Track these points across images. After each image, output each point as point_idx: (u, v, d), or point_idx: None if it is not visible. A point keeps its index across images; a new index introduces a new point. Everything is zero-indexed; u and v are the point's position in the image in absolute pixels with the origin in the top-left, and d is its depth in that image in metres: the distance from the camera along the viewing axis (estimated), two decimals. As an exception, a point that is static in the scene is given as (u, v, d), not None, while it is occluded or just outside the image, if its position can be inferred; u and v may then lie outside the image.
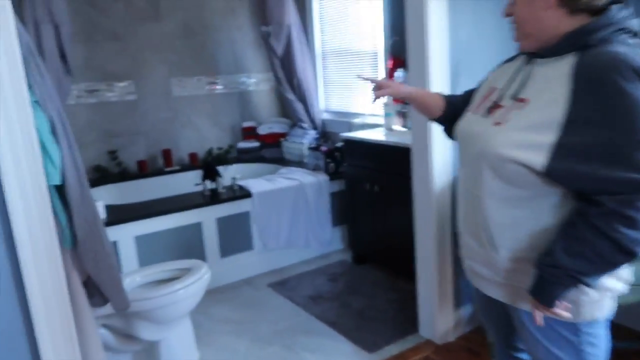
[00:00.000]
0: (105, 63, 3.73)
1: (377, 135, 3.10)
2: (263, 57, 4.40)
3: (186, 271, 2.32)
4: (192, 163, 4.06)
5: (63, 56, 3.04)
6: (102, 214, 2.69)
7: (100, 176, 3.71)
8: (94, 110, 3.72)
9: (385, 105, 3.27)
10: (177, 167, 3.97)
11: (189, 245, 2.96)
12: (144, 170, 3.84)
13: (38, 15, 2.87)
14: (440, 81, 2.12)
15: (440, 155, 2.18)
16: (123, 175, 3.75)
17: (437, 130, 2.07)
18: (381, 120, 3.63)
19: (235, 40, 4.31)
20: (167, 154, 3.94)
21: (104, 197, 3.50)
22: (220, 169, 4.05)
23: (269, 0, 3.89)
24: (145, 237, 2.79)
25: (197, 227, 2.98)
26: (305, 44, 4.10)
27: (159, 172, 3.89)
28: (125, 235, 2.71)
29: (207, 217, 3.00)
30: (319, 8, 4.13)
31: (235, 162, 4.19)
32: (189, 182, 3.46)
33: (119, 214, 2.79)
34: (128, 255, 2.73)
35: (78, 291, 1.64)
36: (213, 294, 2.96)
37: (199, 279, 2.27)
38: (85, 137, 3.71)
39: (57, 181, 1.49)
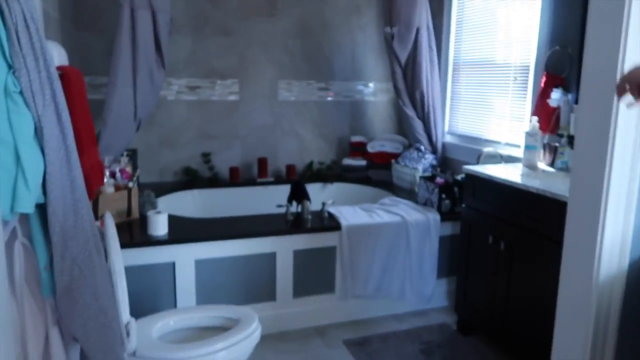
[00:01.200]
0: (211, 58, 3.45)
1: (512, 173, 2.34)
2: (384, 64, 3.81)
3: (233, 322, 1.83)
4: (289, 176, 3.62)
5: (159, 47, 2.77)
6: (163, 228, 2.33)
7: (188, 180, 3.43)
8: (192, 108, 3.46)
9: (529, 134, 2.49)
10: (270, 179, 3.56)
11: (257, 277, 2.48)
12: (235, 178, 3.49)
13: (135, 0, 2.62)
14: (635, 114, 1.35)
15: (616, 219, 1.40)
16: (212, 181, 3.43)
17: (617, 180, 1.32)
18: (519, 153, 2.83)
19: (356, 42, 3.79)
20: (262, 163, 3.55)
21: (186, 202, 3.21)
22: (317, 186, 3.58)
23: (398, -2, 3.29)
24: (207, 262, 2.37)
25: (270, 258, 2.49)
26: (435, 51, 3.44)
27: (251, 182, 3.50)
28: (184, 257, 2.32)
29: (284, 247, 2.50)
30: (457, 9, 3.43)
31: (336, 180, 3.67)
32: (281, 196, 3.00)
33: (182, 231, 2.40)
34: (185, 281, 2.33)
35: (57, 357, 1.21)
36: (276, 340, 2.46)
37: (246, 337, 1.76)
38: (180, 136, 3.46)
39: (26, 208, 1.06)
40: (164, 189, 3.24)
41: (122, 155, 2.82)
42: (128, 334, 1.55)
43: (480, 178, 2.37)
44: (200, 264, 2.36)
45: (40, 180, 1.09)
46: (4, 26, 1.05)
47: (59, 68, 1.61)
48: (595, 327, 1.43)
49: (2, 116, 1.02)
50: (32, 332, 1.14)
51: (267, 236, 2.45)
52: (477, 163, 2.91)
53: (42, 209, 1.14)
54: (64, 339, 1.21)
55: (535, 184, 2.08)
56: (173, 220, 2.50)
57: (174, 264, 2.31)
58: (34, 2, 1.13)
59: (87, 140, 1.71)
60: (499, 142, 3.05)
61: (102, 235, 1.59)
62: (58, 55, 1.75)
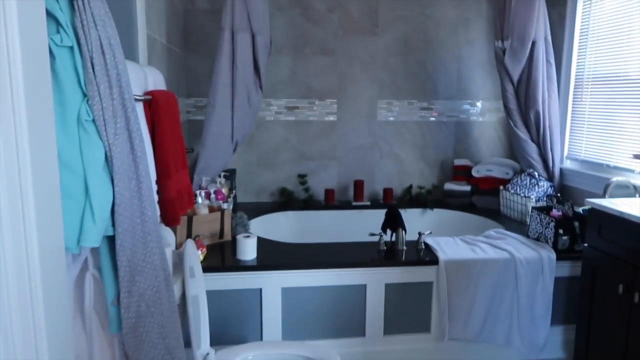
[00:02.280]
0: (310, 79, 3.42)
1: (649, 210, 1.96)
2: (494, 82, 3.51)
3: (312, 363, 1.70)
4: (385, 200, 3.44)
5: (257, 69, 2.78)
6: (251, 253, 2.28)
7: (283, 200, 3.40)
8: (290, 128, 3.44)
9: (672, 164, 2.07)
10: (367, 203, 3.41)
11: (346, 310, 2.33)
12: (331, 200, 3.39)
13: (236, 23, 2.65)
14: None
15: None
16: (307, 203, 3.37)
17: None
18: (660, 185, 2.40)
19: (462, 58, 3.53)
20: (358, 186, 3.41)
21: (280, 224, 3.18)
22: (416, 212, 3.36)
23: (514, 6, 2.99)
24: (294, 290, 2.28)
25: (360, 290, 2.33)
26: (554, 66, 3.07)
27: (346, 205, 3.38)
28: (271, 284, 2.24)
29: (375, 279, 2.32)
30: (582, 17, 3.04)
31: (436, 205, 3.42)
32: (376, 222, 2.82)
33: (271, 257, 2.34)
34: (272, 309, 2.26)
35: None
36: (365, 380, 2.28)
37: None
38: (277, 156, 3.45)
39: (91, 242, 1.02)
40: (259, 209, 3.24)
41: (219, 176, 2.86)
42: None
43: (608, 214, 2.00)
44: (287, 292, 2.27)
45: (108, 213, 1.05)
46: (80, 54, 1.04)
47: (149, 92, 1.62)
48: None
49: (73, 145, 1.00)
50: (100, 366, 1.11)
51: (356, 267, 2.30)
52: (604, 194, 2.50)
53: (111, 240, 1.11)
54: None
55: (682, 226, 1.70)
56: (263, 244, 2.46)
57: (260, 290, 2.25)
58: (112, 27, 1.11)
59: (175, 164, 1.71)
60: (632, 171, 2.61)
61: (181, 260, 1.56)
62: (153, 80, 1.78)
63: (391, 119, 3.53)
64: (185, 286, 1.48)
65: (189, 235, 2.38)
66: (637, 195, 2.46)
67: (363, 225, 3.17)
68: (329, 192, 3.40)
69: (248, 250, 2.27)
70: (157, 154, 1.56)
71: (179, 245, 2.30)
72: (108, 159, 1.06)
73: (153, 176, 1.48)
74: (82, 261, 1.09)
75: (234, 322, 2.25)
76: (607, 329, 2.02)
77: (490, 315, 2.37)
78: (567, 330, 2.50)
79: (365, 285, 2.33)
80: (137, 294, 1.10)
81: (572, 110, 3.13)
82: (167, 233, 1.59)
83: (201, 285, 1.61)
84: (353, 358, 2.35)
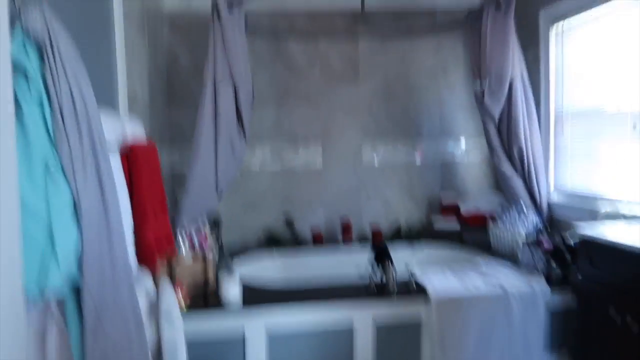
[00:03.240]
0: (295, 126, 3.47)
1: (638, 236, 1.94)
2: (475, 121, 3.57)
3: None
4: (375, 240, 3.41)
5: (240, 118, 2.81)
6: (236, 296, 2.23)
7: (268, 239, 3.38)
8: (276, 177, 3.45)
9: (654, 190, 2.07)
10: (355, 243, 3.37)
11: (335, 354, 2.26)
12: (318, 242, 3.35)
13: (218, 76, 2.71)
14: None
15: None
16: (294, 242, 3.35)
17: None
18: (646, 212, 2.40)
19: (444, 101, 3.61)
20: (346, 229, 3.39)
21: (266, 265, 3.13)
22: (406, 250, 3.33)
23: (489, 49, 3.08)
24: (278, 337, 2.20)
25: (347, 334, 2.26)
26: (533, 103, 3.13)
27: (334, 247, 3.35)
28: (255, 328, 2.18)
29: (364, 319, 2.26)
30: (556, 55, 3.13)
31: (426, 243, 3.39)
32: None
33: (256, 301, 2.28)
34: (256, 355, 2.18)
35: None
36: None
37: None
38: (263, 202, 3.44)
39: (56, 284, 0.99)
40: (245, 251, 3.20)
41: (204, 224, 2.83)
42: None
43: (599, 243, 1.98)
44: (272, 338, 2.20)
45: (74, 258, 1.03)
46: (49, 104, 1.05)
47: (129, 145, 1.63)
48: None
49: (38, 190, 0.99)
50: None
51: (344, 308, 2.24)
52: (593, 225, 2.49)
53: (79, 291, 1.08)
54: None
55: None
56: (247, 290, 2.41)
57: (243, 335, 2.17)
58: (85, 77, 1.12)
59: (153, 210, 1.70)
60: (619, 201, 2.61)
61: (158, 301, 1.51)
62: (132, 129, 1.80)
63: (377, 162, 3.55)
64: (160, 331, 1.43)
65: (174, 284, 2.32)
66: (620, 222, 2.45)
67: (353, 265, 3.12)
68: (316, 236, 3.37)
69: (230, 295, 2.21)
70: (135, 201, 1.55)
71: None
72: (77, 207, 1.05)
73: (129, 223, 1.47)
74: (45, 312, 1.05)
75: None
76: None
77: (483, 350, 2.29)
78: (567, 366, 2.42)
79: (352, 330, 2.26)
80: (102, 340, 1.06)
81: (556, 145, 3.17)
82: (145, 278, 1.55)
83: (179, 330, 1.56)
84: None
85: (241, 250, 3.19)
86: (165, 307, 1.57)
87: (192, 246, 2.56)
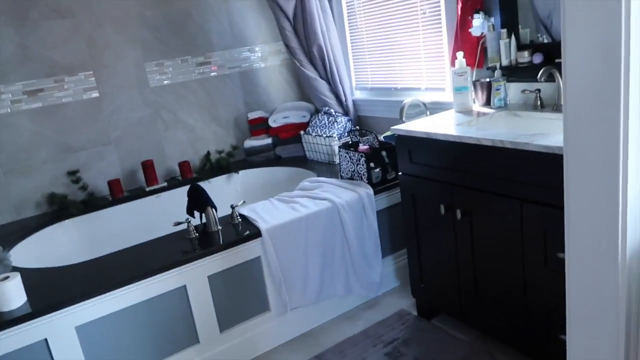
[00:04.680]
0: (49, 51, 2.67)
1: (448, 124, 1.94)
2: (269, 23, 3.25)
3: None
4: (184, 176, 3.00)
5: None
6: (18, 298, 1.67)
7: (57, 209, 2.70)
8: (39, 117, 2.68)
9: (457, 73, 2.09)
10: (163, 184, 2.92)
11: (169, 322, 1.91)
12: (118, 193, 2.81)
13: None
14: None
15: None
16: (88, 204, 2.73)
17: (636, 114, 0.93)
18: (444, 97, 2.47)
19: (231, 2, 3.16)
20: (148, 168, 2.88)
21: (59, 240, 2.51)
22: (221, 180, 3.02)
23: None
24: (93, 325, 1.76)
25: (180, 293, 1.93)
26: (325, -3, 2.93)
27: (139, 194, 2.84)
28: (58, 329, 1.68)
29: (195, 275, 1.94)
30: (339, -58, 2.92)
31: (241, 167, 3.12)
32: (180, 204, 2.37)
33: (49, 293, 1.75)
34: (66, 356, 1.71)
35: None
36: (213, 392, 1.94)
37: None
38: (31, 157, 2.68)
39: None
40: (26, 228, 2.51)
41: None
42: None
43: (415, 138, 1.94)
44: (84, 331, 1.74)
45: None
46: None
47: None
48: (627, 319, 1.07)
49: None
50: None
51: (166, 271, 1.87)
52: (401, 117, 2.50)
53: None
54: None
55: (485, 133, 1.69)
56: (34, 278, 1.84)
57: (46, 341, 1.67)
58: None
59: None
60: (418, 89, 2.66)
61: None
62: None
63: (167, 82, 3.02)
64: None
65: None
66: (428, 112, 2.51)
67: (167, 212, 2.70)
68: (113, 184, 2.80)
69: (12, 295, 1.65)
70: None
71: None
72: None
73: None
74: None
75: (21, 393, 1.65)
76: (436, 250, 2.02)
77: (326, 270, 2.22)
78: (396, 259, 2.51)
79: (184, 286, 1.92)
80: None
81: (351, 40, 3.06)
82: None
83: None
84: (193, 371, 1.98)
85: (20, 231, 2.46)
86: None
87: None
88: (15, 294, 1.66)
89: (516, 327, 1.75)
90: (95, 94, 2.82)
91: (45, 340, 1.67)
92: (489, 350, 1.95)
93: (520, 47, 2.03)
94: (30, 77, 2.64)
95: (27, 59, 2.62)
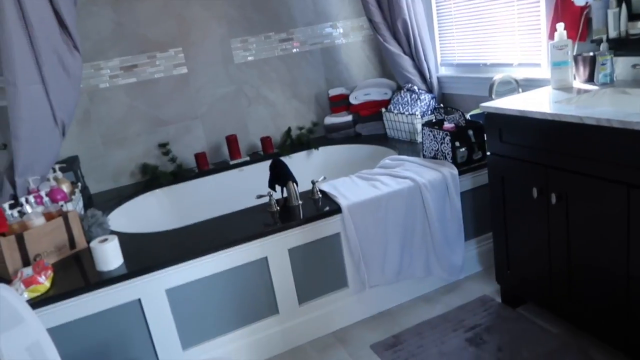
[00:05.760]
0: (143, 28, 2.80)
1: (544, 102, 1.81)
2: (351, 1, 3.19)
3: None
4: (266, 151, 3.06)
5: (63, 26, 2.12)
6: (115, 260, 1.79)
7: (149, 179, 2.86)
8: (134, 92, 2.84)
9: (556, 47, 1.93)
10: (245, 158, 3.00)
11: (251, 291, 1.98)
12: (204, 165, 2.92)
13: (16, -33, 1.95)
14: None
15: None
16: (177, 175, 2.86)
17: None
18: (539, 74, 2.30)
19: (313, -23, 3.14)
20: (232, 143, 2.97)
21: (151, 208, 2.66)
22: (301, 156, 3.04)
23: None
24: (182, 289, 1.85)
25: (261, 265, 1.98)
26: (411, -32, 2.81)
27: (223, 167, 2.94)
28: (151, 290, 1.79)
29: (276, 248, 1.97)
30: None
31: (321, 144, 3.13)
32: (262, 177, 2.41)
33: (142, 256, 1.86)
34: (160, 320, 1.82)
35: None
36: (290, 359, 1.99)
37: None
38: (126, 129, 2.85)
39: None
40: (121, 195, 2.68)
41: (52, 170, 2.24)
42: None
43: (507, 116, 1.82)
44: (174, 294, 1.84)
45: None
46: None
47: None
48: None
49: None
50: None
51: (249, 241, 1.92)
52: (490, 95, 2.37)
53: None
54: None
55: (588, 112, 1.55)
56: (130, 242, 1.97)
57: (140, 301, 1.79)
58: None
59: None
60: (509, 65, 2.50)
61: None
62: None
63: (250, 58, 3.07)
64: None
65: (24, 258, 1.80)
66: (520, 89, 2.36)
67: (249, 185, 2.77)
68: (199, 157, 2.92)
69: (109, 258, 1.77)
70: None
71: (12, 277, 1.73)
72: None
73: None
74: None
75: (115, 350, 1.78)
76: (525, 233, 1.91)
77: (406, 250, 2.18)
78: (480, 242, 2.41)
79: (266, 258, 1.97)
80: None
81: (437, 13, 2.93)
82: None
83: (35, 327, 1.14)
84: (271, 340, 2.03)
85: (116, 197, 2.65)
86: (13, 308, 1.12)
87: (41, 201, 2.00)
88: (113, 256, 1.78)
89: (616, 323, 1.62)
90: (184, 70, 2.93)
91: (139, 300, 1.78)
92: (581, 346, 1.82)
93: (632, 17, 1.83)
94: (126, 53, 2.79)
95: (123, 36, 2.76)
